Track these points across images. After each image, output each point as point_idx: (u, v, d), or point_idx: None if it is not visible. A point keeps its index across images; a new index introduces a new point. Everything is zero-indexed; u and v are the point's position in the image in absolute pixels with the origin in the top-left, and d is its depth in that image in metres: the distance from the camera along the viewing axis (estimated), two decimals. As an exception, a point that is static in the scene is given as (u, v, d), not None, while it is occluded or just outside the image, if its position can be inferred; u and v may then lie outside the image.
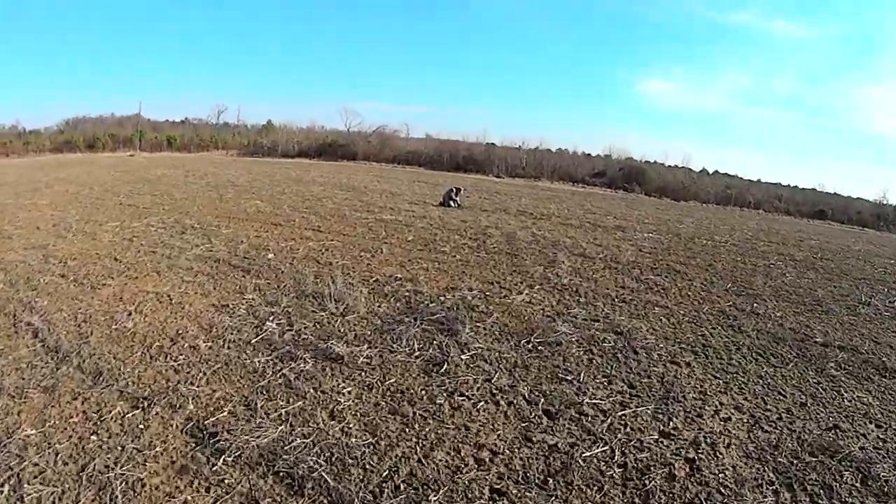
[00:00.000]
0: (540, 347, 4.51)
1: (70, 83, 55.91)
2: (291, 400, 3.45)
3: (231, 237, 8.13)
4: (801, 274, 8.80)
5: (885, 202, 26.43)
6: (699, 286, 7.18)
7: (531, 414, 3.42)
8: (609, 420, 3.39)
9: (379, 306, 5.32)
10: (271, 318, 4.82)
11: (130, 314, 4.79)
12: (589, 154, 34.17)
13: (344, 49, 63.77)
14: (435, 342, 4.46)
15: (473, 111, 62.39)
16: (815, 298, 7.15)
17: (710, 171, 33.57)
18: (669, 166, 32.60)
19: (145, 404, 3.31)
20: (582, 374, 4.03)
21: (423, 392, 3.62)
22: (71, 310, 4.83)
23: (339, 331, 4.64)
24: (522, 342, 4.59)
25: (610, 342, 4.74)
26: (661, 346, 4.77)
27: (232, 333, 4.48)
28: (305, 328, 4.67)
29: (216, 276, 6.09)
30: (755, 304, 6.51)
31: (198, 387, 3.56)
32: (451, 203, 13.40)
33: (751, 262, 9.33)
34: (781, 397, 4.00)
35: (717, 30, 55.00)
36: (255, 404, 3.37)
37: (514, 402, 3.56)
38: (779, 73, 56.39)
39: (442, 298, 5.66)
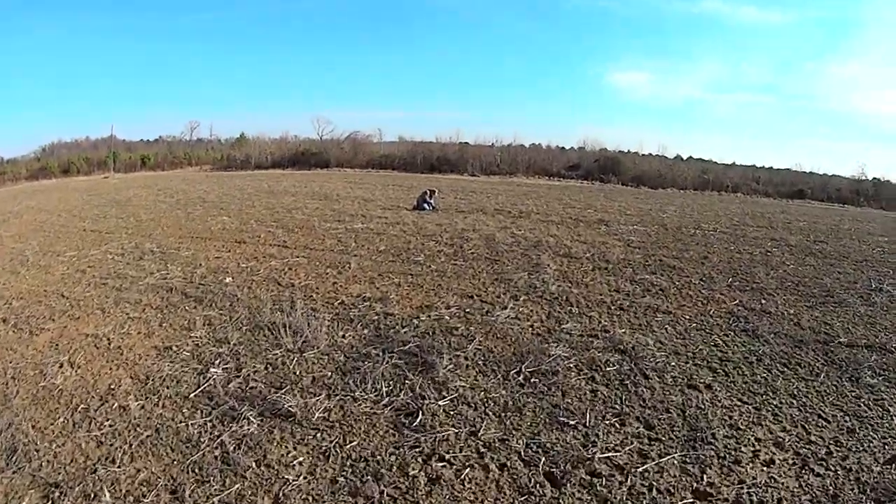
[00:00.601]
0: (533, 379, 3.77)
1: (45, 110, 53.72)
2: (228, 481, 2.69)
3: (190, 260, 7.35)
4: (801, 261, 8.27)
5: (863, 178, 26.29)
6: (699, 283, 6.56)
7: (530, 481, 2.66)
8: (629, 480, 2.67)
9: (343, 337, 4.55)
10: (217, 362, 4.08)
11: (62, 366, 4.10)
12: (563, 147, 33.55)
13: (314, 58, 61.91)
14: (407, 383, 3.69)
15: (446, 112, 61.46)
16: (823, 288, 6.59)
17: (685, 157, 33.39)
18: (644, 155, 32.22)
19: (56, 494, 2.63)
20: (587, 415, 3.29)
21: (393, 458, 2.85)
22: (2, 363, 4.16)
23: (295, 374, 3.87)
24: (512, 373, 3.85)
25: (614, 365, 4.03)
26: (674, 364, 4.09)
27: (169, 386, 3.74)
28: (255, 373, 3.91)
29: (165, 309, 5.35)
30: (764, 301, 5.90)
31: (119, 466, 2.85)
32: (426, 206, 12.65)
33: (746, 252, 8.77)
34: (824, 422, 3.34)
35: (688, 20, 54.58)
36: (183, 490, 2.62)
37: (508, 463, 2.81)
38: (752, 58, 56.09)
39: (415, 321, 4.90)
